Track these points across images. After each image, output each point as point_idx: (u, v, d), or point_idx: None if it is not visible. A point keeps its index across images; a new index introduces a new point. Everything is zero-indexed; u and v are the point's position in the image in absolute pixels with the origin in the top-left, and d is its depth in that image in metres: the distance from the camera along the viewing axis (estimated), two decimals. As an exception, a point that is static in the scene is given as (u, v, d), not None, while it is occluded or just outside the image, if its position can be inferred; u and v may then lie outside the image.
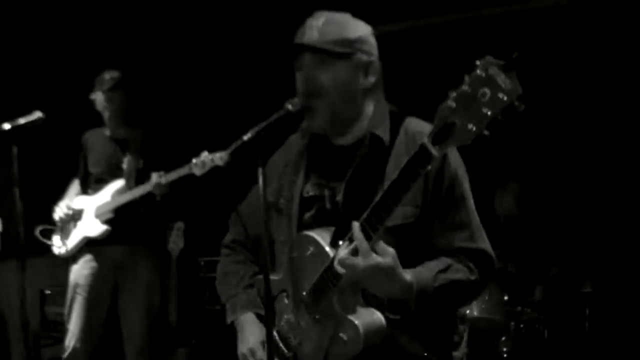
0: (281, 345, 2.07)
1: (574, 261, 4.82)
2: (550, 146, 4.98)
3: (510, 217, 4.94)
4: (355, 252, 1.79)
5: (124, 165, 4.18)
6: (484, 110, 1.57)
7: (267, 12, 5.24)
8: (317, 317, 1.97)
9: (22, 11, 5.17)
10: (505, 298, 4.42)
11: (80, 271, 4.17)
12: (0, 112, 3.35)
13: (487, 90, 1.56)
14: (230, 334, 2.27)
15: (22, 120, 3.52)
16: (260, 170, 1.90)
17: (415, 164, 1.72)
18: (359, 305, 1.91)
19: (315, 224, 2.05)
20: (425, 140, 1.70)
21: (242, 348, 2.14)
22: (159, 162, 4.05)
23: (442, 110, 1.65)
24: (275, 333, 2.06)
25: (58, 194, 4.40)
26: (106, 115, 4.26)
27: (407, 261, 1.87)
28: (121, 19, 5.37)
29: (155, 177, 3.94)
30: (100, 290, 4.16)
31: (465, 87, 1.60)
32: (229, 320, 2.23)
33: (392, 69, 2.15)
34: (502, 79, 1.55)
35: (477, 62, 1.59)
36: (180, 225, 4.46)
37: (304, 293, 1.99)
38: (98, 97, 4.25)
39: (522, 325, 4.48)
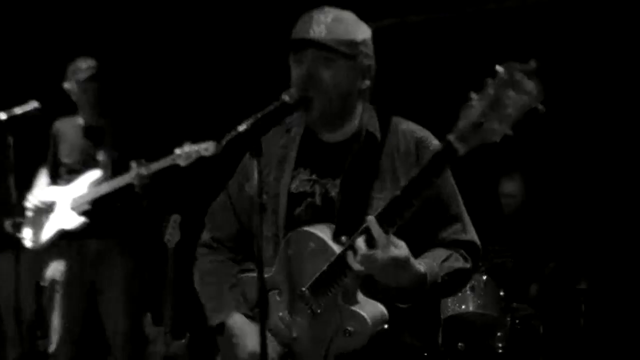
0: (275, 342, 2.06)
1: (570, 258, 4.82)
2: (551, 146, 4.98)
3: (514, 205, 4.96)
4: (371, 246, 1.83)
5: (100, 157, 4.04)
6: (509, 111, 1.67)
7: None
8: (318, 311, 1.98)
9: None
10: (501, 294, 4.43)
11: (56, 267, 4.08)
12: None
13: (513, 94, 1.66)
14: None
15: (18, 110, 3.51)
16: (255, 162, 1.88)
17: (440, 160, 1.80)
18: (360, 297, 1.94)
19: (305, 220, 2.06)
20: (452, 138, 1.76)
21: (242, 354, 2.08)
22: (135, 153, 3.92)
23: (467, 109, 1.73)
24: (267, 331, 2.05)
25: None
26: (80, 104, 4.09)
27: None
28: (97, 5, 5.19)
29: (135, 167, 3.83)
30: (78, 285, 4.06)
31: (490, 90, 1.69)
32: (215, 322, 2.16)
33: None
34: (527, 84, 1.66)
35: (498, 67, 1.68)
36: (176, 217, 4.44)
37: (304, 288, 1.99)
38: (72, 87, 4.08)
39: (517, 321, 4.49)
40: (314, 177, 2.10)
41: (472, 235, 2.11)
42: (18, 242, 3.84)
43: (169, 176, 3.93)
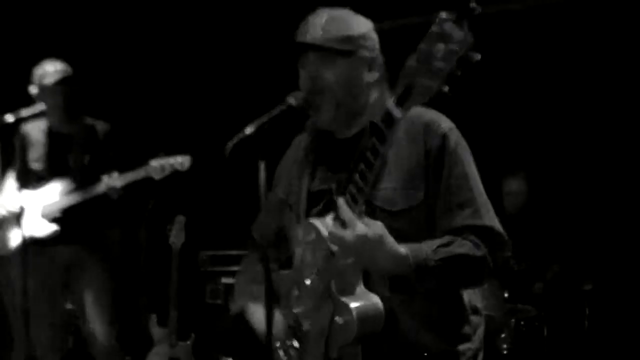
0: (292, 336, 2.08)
1: (575, 259, 4.83)
2: (556, 144, 4.98)
3: (518, 204, 4.95)
4: (343, 226, 1.81)
5: (70, 163, 3.94)
6: (440, 64, 1.61)
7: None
8: (319, 302, 1.98)
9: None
10: (506, 295, 4.43)
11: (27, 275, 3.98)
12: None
13: (441, 45, 1.60)
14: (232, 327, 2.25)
15: (24, 112, 3.51)
16: (261, 165, 1.89)
17: (379, 128, 1.78)
18: (358, 288, 1.89)
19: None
20: (389, 104, 1.74)
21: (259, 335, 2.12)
22: (106, 159, 3.87)
23: (404, 71, 1.70)
24: (287, 326, 2.08)
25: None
26: (48, 109, 3.79)
27: None
28: (73, 5, 5.11)
29: (106, 180, 3.75)
30: (51, 292, 3.97)
31: (422, 45, 1.64)
32: (233, 312, 2.24)
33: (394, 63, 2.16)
34: (457, 34, 1.59)
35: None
36: (181, 219, 4.46)
37: (307, 280, 2.00)
38: (38, 91, 3.92)
39: (522, 322, 4.49)
40: (329, 174, 2.11)
41: (488, 219, 1.95)
42: (25, 241, 3.80)
43: (169, 179, 3.88)
